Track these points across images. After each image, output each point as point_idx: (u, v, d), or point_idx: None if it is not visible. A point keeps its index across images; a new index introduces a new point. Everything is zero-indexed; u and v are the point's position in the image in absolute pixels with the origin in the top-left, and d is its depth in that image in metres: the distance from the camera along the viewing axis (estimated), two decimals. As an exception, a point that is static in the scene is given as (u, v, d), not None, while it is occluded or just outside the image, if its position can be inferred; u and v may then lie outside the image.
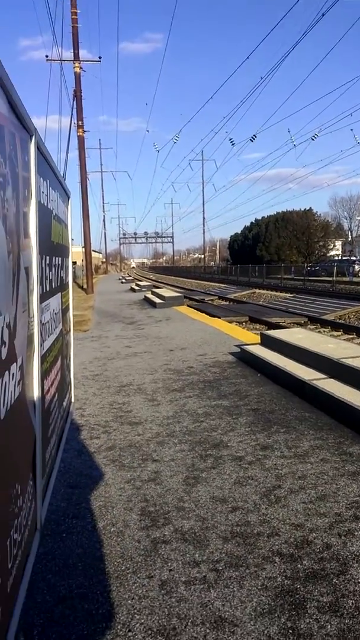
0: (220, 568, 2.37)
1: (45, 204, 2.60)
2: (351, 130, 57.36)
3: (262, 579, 2.28)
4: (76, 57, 23.91)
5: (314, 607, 2.09)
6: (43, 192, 2.47)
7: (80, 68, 23.95)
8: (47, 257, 2.64)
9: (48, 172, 2.71)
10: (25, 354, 1.90)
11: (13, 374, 1.58)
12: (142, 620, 2.05)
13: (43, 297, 2.49)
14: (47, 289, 2.70)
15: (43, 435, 2.40)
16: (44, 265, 2.48)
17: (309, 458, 3.55)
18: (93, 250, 38.74)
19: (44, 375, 2.41)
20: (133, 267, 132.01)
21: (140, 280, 37.97)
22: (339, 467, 3.38)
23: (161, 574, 2.34)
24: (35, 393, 2.16)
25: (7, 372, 1.47)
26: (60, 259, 3.31)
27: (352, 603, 2.10)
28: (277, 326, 12.41)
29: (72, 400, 4.74)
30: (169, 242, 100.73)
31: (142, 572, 2.36)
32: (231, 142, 30.43)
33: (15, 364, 1.63)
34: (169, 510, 2.92)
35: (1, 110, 1.48)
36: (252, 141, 28.64)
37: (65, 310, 3.82)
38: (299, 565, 2.36)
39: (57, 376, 3.16)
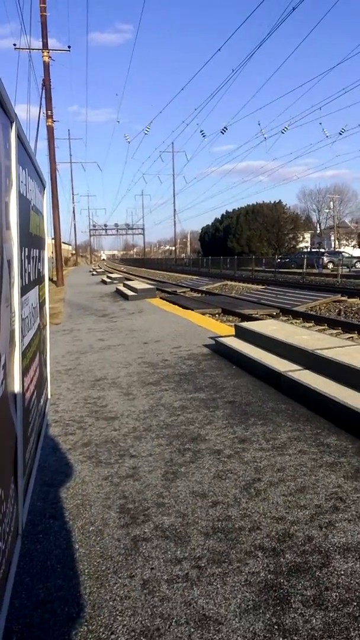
0: (203, 565, 2.33)
1: (25, 194, 2.49)
2: (320, 124, 57.91)
3: (245, 574, 2.25)
4: (45, 46, 23.42)
5: (299, 601, 2.07)
6: (22, 182, 2.36)
7: (49, 57, 23.48)
8: (26, 249, 2.54)
9: (27, 161, 2.60)
10: (8, 351, 1.81)
11: (-4, 373, 1.49)
12: (125, 622, 2.00)
13: (23, 290, 2.40)
14: (27, 282, 2.60)
15: (24, 434, 2.32)
16: (23, 258, 2.38)
17: (287, 450, 3.55)
18: (63, 242, 38.10)
19: (24, 372, 2.32)
20: (103, 259, 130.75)
21: (111, 273, 37.65)
22: (317, 459, 3.39)
23: (143, 573, 2.29)
24: (17, 391, 2.07)
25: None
26: (37, 251, 3.20)
27: (336, 596, 2.09)
28: (250, 318, 12.47)
29: (49, 396, 4.63)
30: (140, 233, 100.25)
31: (123, 572, 2.31)
32: (202, 134, 30.34)
33: (-1, 362, 1.55)
34: (148, 507, 2.87)
35: None
36: (222, 133, 28.61)
37: (42, 304, 3.71)
38: (281, 559, 2.35)
39: (35, 373, 3.06)
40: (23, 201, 2.41)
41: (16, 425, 2.08)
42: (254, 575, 2.24)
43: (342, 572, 2.23)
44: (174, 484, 3.13)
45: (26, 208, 2.58)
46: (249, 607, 2.05)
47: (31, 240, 2.83)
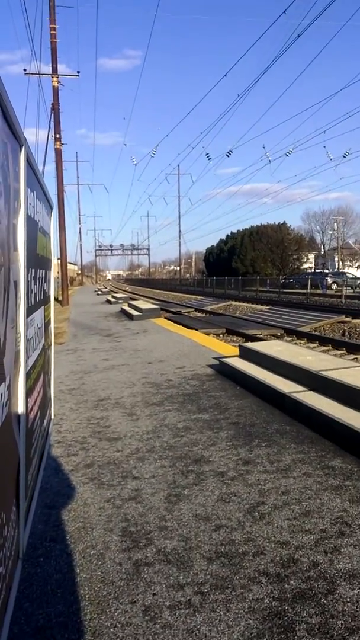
0: (206, 591, 2.29)
1: (32, 216, 2.53)
2: (324, 147, 58.57)
3: (249, 601, 2.21)
4: (54, 71, 23.95)
5: (303, 629, 2.02)
6: (30, 204, 2.39)
7: (59, 82, 23.99)
8: (33, 270, 2.56)
9: (35, 183, 2.64)
10: (13, 372, 1.81)
11: (2, 394, 1.49)
12: (126, 650, 1.95)
13: (29, 311, 2.41)
14: (32, 302, 2.62)
15: (26, 456, 2.30)
16: (29, 279, 2.39)
17: (292, 472, 3.51)
18: (69, 262, 38.41)
19: (27, 393, 2.31)
20: (108, 279, 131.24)
21: (116, 292, 37.80)
22: (322, 482, 3.34)
23: (144, 599, 2.25)
24: (20, 412, 2.06)
25: (-4, 393, 1.38)
26: (43, 271, 3.23)
27: (342, 624, 2.04)
28: (254, 338, 12.44)
29: (52, 417, 4.61)
30: (145, 254, 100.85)
31: (124, 598, 2.26)
32: (208, 156, 30.75)
33: (3, 383, 1.54)
34: (151, 530, 2.83)
35: None
36: (228, 156, 29.04)
37: (47, 324, 3.73)
38: (286, 586, 2.30)
39: (39, 393, 3.06)
40: (31, 223, 2.44)
41: (19, 447, 2.07)
42: (258, 602, 2.19)
43: (348, 600, 2.18)
44: (177, 506, 3.09)
45: (34, 230, 2.61)
46: (253, 635, 2.00)
47: (38, 261, 2.86)
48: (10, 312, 1.72)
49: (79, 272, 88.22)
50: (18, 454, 2.04)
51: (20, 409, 2.08)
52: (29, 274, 2.41)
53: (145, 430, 4.59)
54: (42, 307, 3.28)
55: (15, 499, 1.98)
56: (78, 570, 2.48)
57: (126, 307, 18.63)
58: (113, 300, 25.83)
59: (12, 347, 1.78)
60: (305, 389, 4.99)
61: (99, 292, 38.72)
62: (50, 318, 4.15)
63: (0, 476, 1.54)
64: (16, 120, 1.86)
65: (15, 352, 1.92)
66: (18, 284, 1.98)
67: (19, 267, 2.02)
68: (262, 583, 2.32)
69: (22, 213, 2.08)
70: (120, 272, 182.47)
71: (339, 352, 11.29)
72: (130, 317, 15.95)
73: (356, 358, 10.59)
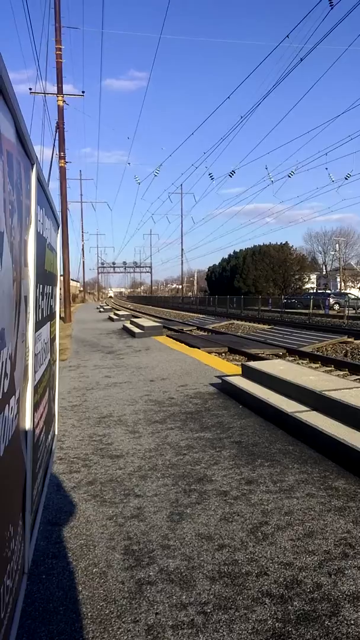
0: (209, 610, 2.27)
1: (42, 233, 2.58)
2: (326, 169, 59.21)
3: (252, 621, 2.19)
4: (59, 91, 24.36)
5: (307, 652, 2.01)
6: (39, 221, 2.45)
7: (64, 102, 24.38)
8: (41, 286, 2.61)
9: (44, 201, 2.70)
10: (22, 385, 1.84)
11: (12, 407, 1.51)
12: (128, 670, 1.94)
13: (36, 326, 2.45)
14: (40, 318, 2.65)
15: (32, 470, 2.31)
16: (37, 294, 2.43)
17: (295, 493, 3.50)
18: (71, 279, 38.55)
19: (34, 407, 2.33)
20: (110, 297, 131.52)
21: (119, 310, 37.89)
22: (325, 502, 3.33)
23: (147, 618, 2.23)
24: (27, 426, 2.08)
25: (7, 406, 1.40)
26: (50, 287, 3.27)
27: (346, 647, 2.02)
28: (256, 357, 12.44)
29: (56, 432, 4.61)
30: (147, 272, 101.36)
31: (127, 616, 2.25)
32: (211, 176, 31.06)
33: (14, 396, 1.57)
34: (153, 549, 2.81)
35: (10, 138, 1.47)
36: (231, 176, 29.28)
37: (52, 340, 3.76)
38: (289, 607, 2.28)
39: (45, 408, 3.07)
40: (40, 239, 2.49)
41: (26, 461, 2.08)
42: (261, 623, 2.18)
43: (352, 622, 2.16)
44: (179, 525, 3.08)
45: (42, 246, 2.66)
46: (257, 657, 1.98)
47: (45, 277, 2.91)
48: (20, 327, 1.75)
49: (82, 289, 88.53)
50: (25, 467, 2.05)
51: (28, 423, 2.10)
52: (37, 290, 2.45)
53: (148, 448, 4.58)
54: (49, 322, 3.32)
55: (21, 513, 1.98)
56: (80, 588, 2.47)
57: (128, 325, 18.67)
58: (115, 317, 25.89)
59: (21, 361, 1.81)
60: (308, 408, 4.99)
61: (101, 310, 38.82)
62: (55, 334, 4.18)
63: (8, 489, 1.55)
64: (29, 139, 1.91)
65: (24, 366, 1.94)
66: (28, 299, 2.02)
67: (29, 283, 2.06)
68: (265, 604, 2.31)
69: (33, 230, 2.13)
70: (123, 290, 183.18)
71: (341, 372, 11.27)
72: (132, 334, 15.98)
73: (359, 379, 10.57)
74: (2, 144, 1.30)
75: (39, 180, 2.35)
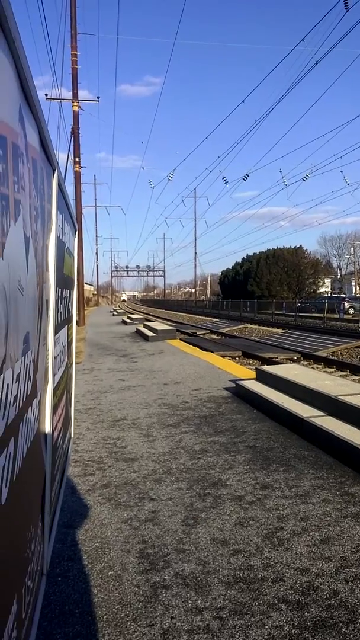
0: (224, 616, 2.26)
1: (61, 237, 2.61)
2: (341, 172, 58.80)
3: (268, 627, 2.18)
4: (75, 96, 24.58)
5: (325, 659, 1.99)
6: (59, 226, 2.47)
7: (79, 107, 24.59)
8: (60, 290, 2.64)
9: (63, 206, 2.73)
10: (42, 388, 1.86)
11: (34, 409, 1.52)
12: (144, 674, 1.94)
13: (56, 329, 2.47)
14: (59, 321, 2.68)
15: (51, 472, 2.33)
16: (57, 298, 2.46)
17: (311, 498, 3.47)
18: (85, 283, 38.84)
19: (53, 409, 2.35)
20: (124, 300, 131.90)
21: (132, 313, 38.00)
22: (342, 509, 3.30)
23: (162, 622, 2.23)
24: (47, 429, 2.10)
25: (29, 408, 1.42)
26: (68, 291, 3.30)
27: (364, 655, 2.00)
28: (270, 361, 12.39)
29: (72, 435, 4.64)
30: (161, 275, 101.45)
31: (142, 620, 2.25)
32: (224, 180, 31.05)
33: (35, 399, 1.59)
34: (168, 553, 2.81)
35: (34, 144, 1.49)
36: (244, 180, 29.27)
37: (69, 343, 3.79)
38: (306, 613, 2.26)
39: (63, 411, 3.10)
40: (60, 244, 2.52)
41: (45, 462, 2.09)
42: (277, 629, 2.16)
43: (370, 630, 2.14)
44: (194, 529, 3.07)
45: (61, 250, 2.69)
46: (273, 663, 1.97)
47: (64, 281, 2.94)
48: (42, 330, 1.77)
49: (95, 292, 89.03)
50: (45, 469, 2.07)
51: (47, 425, 2.12)
52: (57, 293, 2.48)
53: (162, 451, 4.58)
54: (66, 326, 3.35)
55: (40, 514, 2.00)
56: (96, 591, 2.47)
57: (141, 328, 18.71)
58: (128, 321, 25.98)
59: (42, 364, 1.83)
60: (323, 413, 4.95)
61: (115, 313, 38.98)
62: (72, 337, 4.21)
63: (30, 490, 1.56)
64: (51, 146, 1.94)
65: (45, 369, 1.96)
66: (49, 302, 2.05)
67: (49, 287, 2.09)
68: (281, 610, 2.29)
69: (53, 234, 2.16)
70: (136, 293, 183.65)
71: (357, 377, 11.16)
72: (145, 338, 16.01)
73: (374, 384, 10.45)
74: (28, 151, 1.32)
75: (59, 185, 2.38)
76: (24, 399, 1.32)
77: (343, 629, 2.15)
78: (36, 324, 1.58)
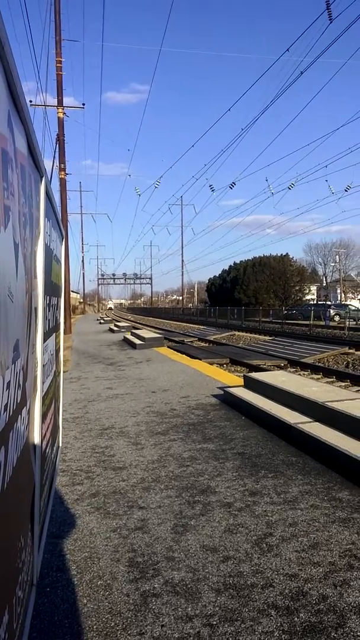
0: (215, 622, 2.26)
1: (49, 244, 2.61)
2: (326, 181, 59.59)
3: (258, 633, 2.18)
4: (60, 103, 24.60)
5: (315, 664, 2.00)
6: (47, 233, 2.48)
7: (64, 114, 24.61)
8: (48, 297, 2.63)
9: (51, 213, 2.73)
10: (32, 396, 1.85)
11: (24, 418, 1.52)
12: None
13: (44, 337, 2.46)
14: (47, 329, 2.67)
15: (40, 481, 2.31)
16: (45, 305, 2.46)
17: (299, 504, 3.49)
18: (71, 291, 38.68)
19: (42, 418, 2.34)
20: (110, 308, 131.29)
21: (119, 321, 37.91)
22: (330, 514, 3.32)
23: (153, 630, 2.22)
24: (36, 437, 2.09)
25: (19, 417, 1.41)
26: (56, 298, 3.30)
27: (353, 659, 2.01)
28: (258, 368, 12.43)
29: (60, 444, 4.61)
30: (148, 283, 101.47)
31: (132, 629, 2.24)
32: (211, 188, 31.25)
33: (25, 407, 1.58)
34: (158, 561, 2.80)
35: (23, 150, 1.50)
36: (231, 188, 29.50)
37: (57, 351, 3.78)
38: (295, 619, 2.27)
39: (51, 419, 3.08)
40: (47, 251, 2.52)
41: (34, 472, 2.08)
42: (267, 635, 2.17)
43: (359, 634, 2.15)
44: (183, 537, 3.07)
45: (49, 257, 2.69)
46: (264, 669, 1.97)
47: (52, 288, 2.93)
48: (31, 338, 1.77)
49: (82, 300, 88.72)
50: (34, 478, 2.06)
51: (36, 434, 2.11)
52: (45, 301, 2.48)
53: (151, 459, 4.57)
54: (54, 334, 3.34)
55: (30, 524, 1.99)
56: (85, 601, 2.46)
57: (129, 336, 18.67)
58: (116, 329, 25.91)
59: (31, 372, 1.83)
60: (310, 420, 4.99)
61: (102, 321, 38.85)
62: (60, 345, 4.20)
63: (20, 500, 1.56)
64: (39, 152, 1.95)
65: (34, 377, 1.96)
66: (37, 310, 2.05)
67: (38, 294, 2.09)
68: (271, 616, 2.30)
69: (41, 241, 2.16)
70: (123, 301, 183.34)
71: (343, 383, 11.25)
72: (133, 345, 15.98)
73: (360, 390, 10.55)
74: (17, 157, 1.33)
75: (47, 192, 2.39)
76: (14, 408, 1.32)
77: (332, 634, 2.16)
78: (25, 331, 1.58)
